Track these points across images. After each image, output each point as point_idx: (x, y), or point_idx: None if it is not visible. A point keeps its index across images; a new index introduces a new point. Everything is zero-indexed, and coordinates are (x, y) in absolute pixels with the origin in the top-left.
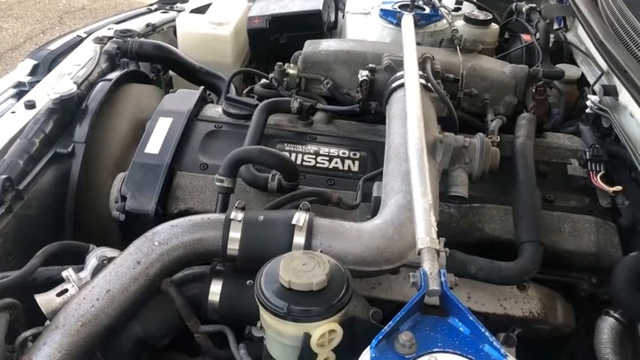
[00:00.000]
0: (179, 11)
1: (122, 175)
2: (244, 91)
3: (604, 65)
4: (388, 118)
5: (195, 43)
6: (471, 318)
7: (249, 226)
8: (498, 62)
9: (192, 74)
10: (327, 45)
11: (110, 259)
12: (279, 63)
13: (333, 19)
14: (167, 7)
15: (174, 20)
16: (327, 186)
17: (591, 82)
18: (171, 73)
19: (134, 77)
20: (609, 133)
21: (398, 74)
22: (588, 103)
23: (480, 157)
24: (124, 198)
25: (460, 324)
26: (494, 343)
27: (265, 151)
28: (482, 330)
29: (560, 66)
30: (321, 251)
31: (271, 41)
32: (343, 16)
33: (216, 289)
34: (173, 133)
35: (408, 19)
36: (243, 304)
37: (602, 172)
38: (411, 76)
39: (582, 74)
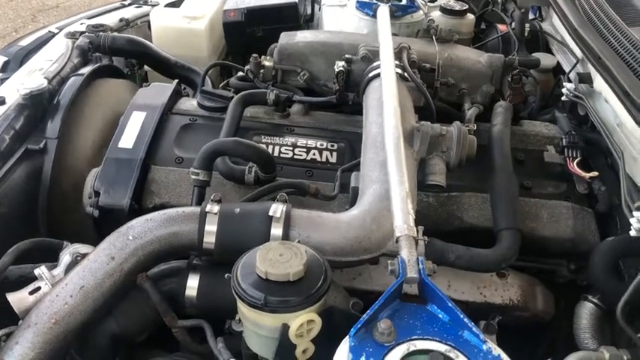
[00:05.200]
0: (153, 5)
1: (96, 171)
2: (220, 85)
3: (579, 53)
4: (365, 108)
5: (170, 37)
6: (449, 305)
7: (225, 218)
8: (474, 52)
9: (168, 68)
10: (302, 36)
11: (84, 256)
12: (255, 55)
13: (309, 11)
14: (141, 2)
15: (148, 15)
16: (306, 177)
17: (567, 70)
18: (146, 67)
19: (107, 72)
20: (585, 121)
21: (374, 64)
22: (564, 90)
23: (457, 146)
24: (97, 194)
25: (439, 311)
26: (474, 329)
27: (241, 143)
28: (462, 316)
29: (536, 55)
30: (298, 242)
31: (247, 34)
32: (319, 8)
33: (193, 283)
34: (147, 127)
35: (383, 10)
36: (221, 298)
37: (578, 159)
38: (387, 66)
39: (558, 63)
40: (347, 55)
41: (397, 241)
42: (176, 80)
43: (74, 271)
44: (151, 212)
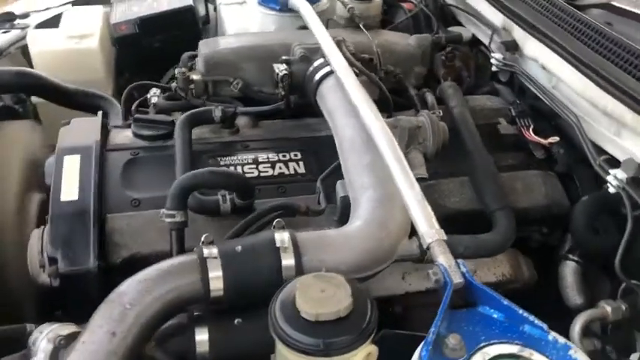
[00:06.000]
0: (23, 28)
1: (38, 233)
2: (133, 108)
3: (498, 22)
4: (327, 111)
5: (57, 61)
6: (503, 302)
7: (229, 260)
8: (399, 35)
9: (68, 98)
10: (226, 43)
11: (69, 338)
12: (183, 70)
13: (202, 12)
14: (7, 26)
15: (21, 40)
16: (279, 194)
17: (485, 41)
18: (35, 100)
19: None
20: (520, 88)
21: (317, 63)
22: (493, 61)
23: (433, 135)
24: (53, 260)
25: (492, 311)
26: (535, 322)
27: (217, 172)
28: (519, 311)
29: (451, 29)
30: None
31: (144, 47)
32: (215, 8)
33: (202, 337)
34: (87, 172)
35: (303, 3)
36: (237, 346)
37: (532, 126)
38: (339, 64)
39: (473, 35)
40: (284, 57)
41: (428, 249)
42: (100, 112)
43: None
44: (120, 268)
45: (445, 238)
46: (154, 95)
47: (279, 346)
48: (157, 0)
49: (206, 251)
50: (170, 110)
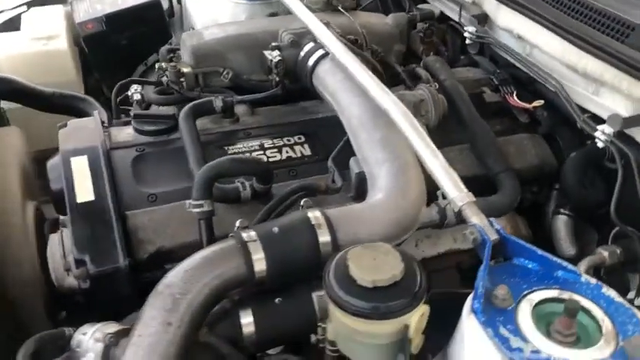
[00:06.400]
0: None
1: (57, 238)
2: (113, 106)
3: None
4: (328, 93)
5: (26, 65)
6: (537, 252)
7: (268, 241)
8: (376, 15)
9: (43, 101)
10: (212, 34)
11: (117, 335)
12: (172, 64)
13: (166, 6)
14: None
15: None
16: (290, 178)
17: (453, 17)
18: (4, 105)
19: None
20: (492, 58)
21: (308, 48)
22: (466, 34)
23: (434, 107)
24: (81, 262)
25: (526, 262)
26: (568, 267)
27: (237, 160)
28: (553, 259)
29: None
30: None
31: (112, 45)
32: (178, 1)
33: (247, 319)
34: (98, 172)
35: None
36: (280, 324)
37: (515, 92)
38: (336, 46)
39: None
40: (274, 44)
41: (460, 212)
42: (96, 111)
43: (127, 355)
44: (147, 263)
45: (474, 200)
46: (136, 92)
47: (338, 314)
48: None
49: (245, 235)
50: (164, 104)
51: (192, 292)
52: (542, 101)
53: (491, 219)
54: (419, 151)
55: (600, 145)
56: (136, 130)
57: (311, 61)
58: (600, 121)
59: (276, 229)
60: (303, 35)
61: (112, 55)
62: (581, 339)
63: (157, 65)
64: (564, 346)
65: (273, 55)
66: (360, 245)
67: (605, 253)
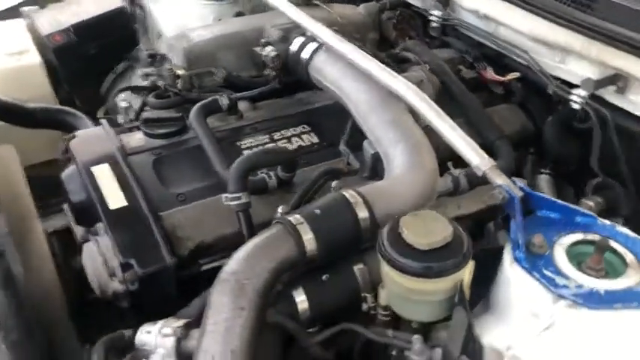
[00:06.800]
0: None
1: (89, 248)
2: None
3: None
4: (330, 83)
5: (1, 81)
6: (556, 202)
7: (314, 222)
8: (348, 6)
9: (28, 118)
10: (200, 35)
11: (187, 327)
12: (168, 67)
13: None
14: None
15: None
16: (304, 165)
17: (416, 3)
18: None
19: None
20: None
21: (300, 41)
22: (433, 18)
23: (433, 87)
24: (128, 266)
25: (548, 212)
26: (585, 212)
27: (269, 151)
28: (571, 207)
29: None
30: None
31: (81, 55)
32: (140, 7)
33: (301, 298)
34: (124, 178)
35: None
36: (331, 299)
37: (489, 67)
38: (332, 38)
39: None
40: (264, 40)
41: (485, 175)
42: (104, 119)
43: (205, 343)
44: (188, 259)
45: (495, 164)
46: (122, 100)
47: (396, 277)
48: (80, 6)
49: (292, 219)
50: (164, 108)
51: (256, 277)
52: (517, 74)
53: (514, 178)
54: (437, 126)
55: (576, 107)
56: (148, 135)
57: (305, 54)
58: (569, 86)
59: (318, 211)
60: (291, 30)
61: (82, 65)
62: (609, 272)
63: (139, 71)
64: (600, 279)
65: (268, 51)
66: (409, 214)
67: (591, 203)
